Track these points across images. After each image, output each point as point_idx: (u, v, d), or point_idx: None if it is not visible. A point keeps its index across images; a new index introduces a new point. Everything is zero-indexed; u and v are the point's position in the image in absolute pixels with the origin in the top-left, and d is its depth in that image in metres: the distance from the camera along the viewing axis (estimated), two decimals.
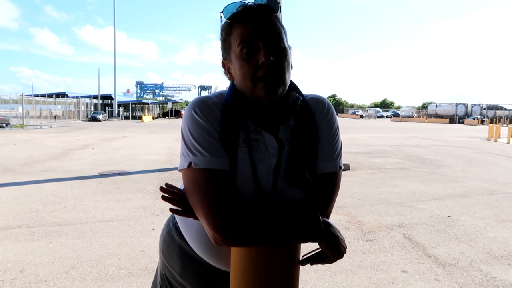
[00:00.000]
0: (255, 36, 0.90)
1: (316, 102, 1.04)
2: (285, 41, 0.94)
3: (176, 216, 1.13)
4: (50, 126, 26.91)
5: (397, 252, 3.72)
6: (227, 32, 0.96)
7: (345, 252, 0.91)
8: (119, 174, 7.69)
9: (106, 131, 22.03)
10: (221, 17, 0.96)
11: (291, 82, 1.03)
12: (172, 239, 1.13)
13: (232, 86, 1.00)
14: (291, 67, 0.97)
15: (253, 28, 0.90)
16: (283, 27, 0.95)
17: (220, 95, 1.00)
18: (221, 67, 1.03)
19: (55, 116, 37.95)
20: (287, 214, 0.88)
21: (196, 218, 0.91)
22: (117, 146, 13.08)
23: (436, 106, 62.95)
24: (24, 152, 10.90)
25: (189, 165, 0.90)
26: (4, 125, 24.06)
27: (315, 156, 0.99)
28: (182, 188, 0.97)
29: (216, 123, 0.93)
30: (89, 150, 11.71)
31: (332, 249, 0.89)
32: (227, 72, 1.00)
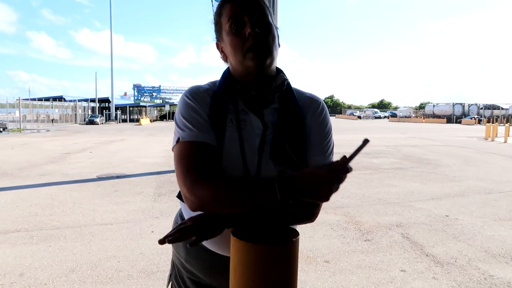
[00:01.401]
0: (241, 12, 0.98)
1: (310, 101, 1.10)
2: (270, 18, 1.01)
3: (180, 204, 1.15)
4: (48, 130, 26.84)
5: (395, 251, 3.74)
6: (218, 14, 1.04)
7: (334, 191, 0.84)
8: (118, 177, 7.69)
9: (103, 134, 22.00)
10: (212, 2, 1.06)
11: (280, 70, 1.09)
12: None
13: (227, 71, 1.08)
14: (278, 45, 1.04)
15: (240, 6, 0.99)
16: (268, 7, 1.03)
17: (212, 83, 1.09)
18: (216, 49, 1.10)
19: (52, 120, 37.85)
20: (256, 179, 0.95)
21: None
22: (115, 149, 13.07)
23: (434, 106, 63.09)
24: (22, 156, 10.88)
25: (178, 140, 0.97)
26: (1, 129, 23.98)
27: (302, 139, 1.03)
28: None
29: (206, 106, 1.01)
30: (87, 154, 11.69)
31: (310, 191, 0.84)
32: (221, 52, 1.07)
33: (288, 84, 1.08)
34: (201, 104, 1.01)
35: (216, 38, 1.07)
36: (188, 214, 1.13)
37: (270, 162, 0.99)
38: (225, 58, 1.06)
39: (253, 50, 0.96)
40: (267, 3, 1.05)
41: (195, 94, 1.03)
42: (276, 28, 1.04)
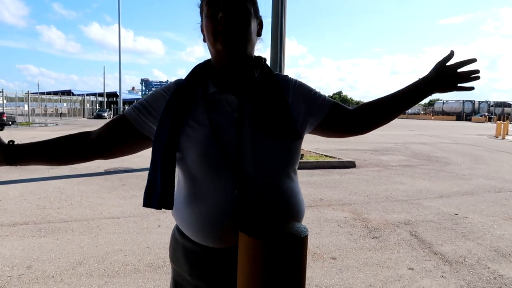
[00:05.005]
0: None
1: (284, 77, 1.13)
2: (248, 5, 1.01)
3: (175, 219, 1.15)
4: (56, 124, 27.08)
5: (403, 249, 3.70)
6: None
7: None
8: (125, 171, 7.73)
9: None
10: None
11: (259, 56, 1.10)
12: (176, 242, 1.15)
13: (197, 65, 1.13)
14: (259, 34, 1.08)
15: None
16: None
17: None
18: (200, 32, 1.12)
19: (60, 114, 38.21)
20: None
21: None
22: None
23: (443, 103, 62.46)
24: None
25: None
26: (10, 122, 24.19)
27: (286, 106, 1.03)
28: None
29: (159, 102, 1.07)
30: None
31: None
32: (203, 35, 1.10)
33: (266, 63, 1.10)
34: (158, 99, 1.07)
35: (201, 21, 1.11)
36: (177, 215, 1.11)
37: (250, 130, 0.99)
38: (204, 40, 1.09)
39: (222, 34, 0.98)
40: None
41: (152, 94, 1.11)
42: (259, 17, 1.07)
